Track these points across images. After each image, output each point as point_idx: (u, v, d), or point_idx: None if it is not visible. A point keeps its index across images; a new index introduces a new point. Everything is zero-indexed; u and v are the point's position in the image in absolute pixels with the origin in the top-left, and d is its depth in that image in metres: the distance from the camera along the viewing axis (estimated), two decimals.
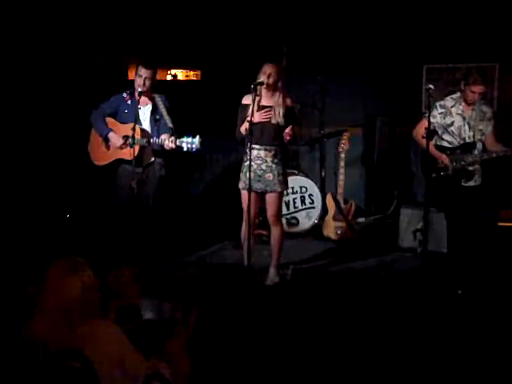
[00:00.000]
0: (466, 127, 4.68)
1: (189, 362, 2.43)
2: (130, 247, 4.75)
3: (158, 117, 4.85)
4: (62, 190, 6.11)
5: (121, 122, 4.83)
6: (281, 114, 4.45)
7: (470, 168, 4.68)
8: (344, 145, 5.96)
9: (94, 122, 4.90)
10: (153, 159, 4.83)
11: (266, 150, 4.51)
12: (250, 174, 4.24)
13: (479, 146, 4.70)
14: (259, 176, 4.52)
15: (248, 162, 4.51)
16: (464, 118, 4.68)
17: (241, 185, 4.61)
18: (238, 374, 3.28)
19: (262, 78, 4.40)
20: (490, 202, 4.93)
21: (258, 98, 4.44)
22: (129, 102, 4.85)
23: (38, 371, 2.03)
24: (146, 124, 4.83)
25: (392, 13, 6.64)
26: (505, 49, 6.50)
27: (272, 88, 4.45)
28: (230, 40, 6.82)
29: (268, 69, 4.42)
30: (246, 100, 4.53)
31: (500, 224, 5.33)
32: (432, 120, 4.56)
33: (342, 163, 5.94)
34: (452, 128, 4.70)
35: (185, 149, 4.63)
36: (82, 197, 6.18)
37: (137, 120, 4.68)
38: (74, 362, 2.01)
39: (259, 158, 4.52)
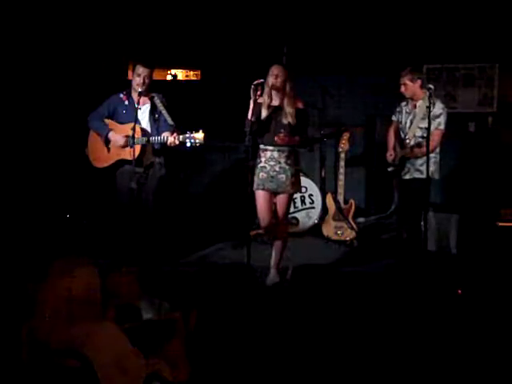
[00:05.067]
0: (408, 124, 4.95)
1: (189, 362, 2.43)
2: (130, 247, 4.75)
3: (157, 116, 4.84)
4: (62, 190, 6.11)
5: (119, 123, 4.82)
6: (291, 113, 4.44)
7: (406, 162, 4.94)
8: (344, 145, 5.97)
9: (92, 125, 4.86)
10: (153, 159, 4.83)
11: (279, 151, 4.52)
12: (258, 175, 4.24)
13: (420, 142, 4.81)
14: (272, 177, 4.54)
15: (261, 164, 4.54)
16: (408, 116, 4.96)
17: (254, 186, 4.63)
18: (238, 375, 3.28)
19: (270, 80, 4.41)
20: (420, 195, 4.90)
21: (269, 100, 4.46)
22: (126, 102, 4.84)
23: (38, 371, 2.04)
24: (144, 123, 4.83)
25: (392, 13, 6.64)
26: (505, 49, 6.50)
27: (280, 89, 4.45)
28: (229, 40, 6.82)
29: (275, 70, 4.44)
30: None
31: (500, 224, 5.33)
32: (394, 118, 5.12)
33: (342, 163, 5.94)
34: (401, 125, 5.03)
35: (188, 144, 4.62)
36: (82, 197, 6.18)
37: (136, 120, 4.67)
38: (73, 361, 2.01)
39: (273, 159, 4.53)
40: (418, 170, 4.82)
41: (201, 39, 6.82)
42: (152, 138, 4.73)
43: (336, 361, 3.47)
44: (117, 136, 4.75)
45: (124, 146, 4.73)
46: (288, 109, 4.44)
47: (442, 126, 4.81)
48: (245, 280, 4.44)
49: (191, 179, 7.12)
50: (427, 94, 4.60)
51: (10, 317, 2.29)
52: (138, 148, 4.68)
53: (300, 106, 4.50)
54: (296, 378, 3.28)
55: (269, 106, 4.49)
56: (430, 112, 4.60)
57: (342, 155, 5.96)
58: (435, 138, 4.76)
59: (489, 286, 4.58)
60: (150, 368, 2.19)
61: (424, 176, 4.69)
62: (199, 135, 4.57)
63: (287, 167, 4.53)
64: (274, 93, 4.48)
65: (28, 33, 5.95)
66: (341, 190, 5.95)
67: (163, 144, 4.70)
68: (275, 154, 4.52)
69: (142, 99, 4.81)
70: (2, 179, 5.65)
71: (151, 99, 4.85)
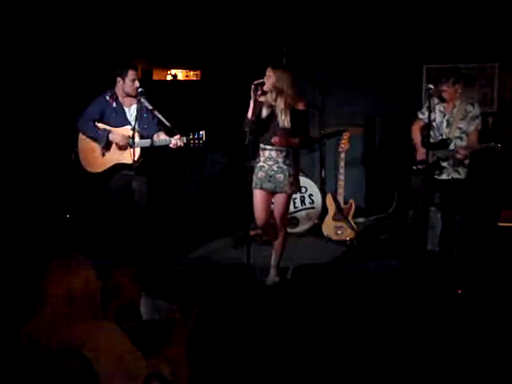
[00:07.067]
0: (444, 124, 4.92)
1: (189, 362, 2.42)
2: (130, 247, 4.75)
3: (145, 115, 4.81)
4: (62, 190, 6.10)
5: (111, 126, 4.79)
6: (285, 117, 4.42)
7: (443, 162, 4.90)
8: (344, 145, 5.96)
9: (84, 129, 4.80)
10: (142, 158, 4.80)
11: (277, 150, 4.51)
12: (260, 174, 4.22)
13: (458, 142, 4.89)
14: (270, 176, 4.53)
15: (259, 163, 4.54)
16: (444, 115, 4.92)
17: (252, 185, 4.62)
18: (237, 374, 3.28)
19: (263, 80, 4.41)
20: (464, 196, 5.06)
21: (269, 99, 4.46)
22: (114, 104, 4.81)
23: (38, 371, 2.03)
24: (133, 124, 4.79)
25: (392, 13, 6.64)
26: (505, 49, 6.51)
27: (276, 90, 4.43)
28: (230, 40, 6.82)
29: (267, 72, 4.43)
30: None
31: (500, 224, 5.33)
32: (421, 116, 5.04)
33: (342, 163, 5.94)
34: (434, 124, 4.95)
35: (191, 145, 4.64)
36: (81, 197, 6.18)
37: (127, 121, 4.68)
38: (74, 362, 2.01)
39: (271, 158, 4.52)
40: (456, 171, 4.89)
41: (201, 39, 6.82)
42: (154, 140, 4.73)
43: (336, 361, 3.47)
44: (117, 136, 4.73)
45: (124, 145, 4.71)
46: (282, 113, 4.42)
47: (480, 127, 4.90)
48: (245, 280, 4.44)
49: (191, 179, 7.12)
50: (459, 93, 4.79)
51: (10, 317, 2.29)
52: (138, 151, 4.67)
53: (300, 107, 4.47)
54: (296, 378, 3.28)
55: (269, 106, 4.49)
56: (430, 112, 4.65)
57: (342, 155, 5.95)
58: (475, 138, 4.86)
59: (489, 286, 4.58)
60: (150, 368, 2.19)
61: (462, 177, 4.89)
62: (202, 134, 4.61)
63: (285, 167, 4.52)
64: (272, 93, 4.47)
65: (27, 42, 5.92)
66: (341, 190, 5.94)
67: (165, 146, 4.71)
68: (273, 154, 4.52)
69: (129, 100, 4.79)
70: (3, 180, 5.65)
71: (138, 100, 4.79)
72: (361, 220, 6.62)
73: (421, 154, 4.90)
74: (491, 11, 6.40)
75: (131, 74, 4.74)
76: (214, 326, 3.65)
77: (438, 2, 6.53)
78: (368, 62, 6.86)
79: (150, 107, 4.73)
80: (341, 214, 5.94)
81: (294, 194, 4.78)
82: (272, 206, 4.72)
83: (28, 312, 2.11)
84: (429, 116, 4.65)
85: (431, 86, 4.67)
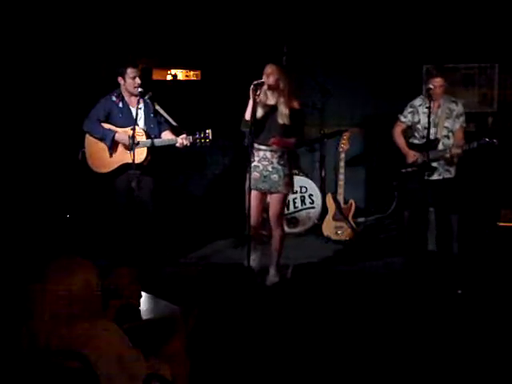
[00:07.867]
0: (432, 124, 4.87)
1: (189, 362, 2.42)
2: (131, 248, 4.75)
3: (152, 115, 4.81)
4: (62, 191, 6.10)
5: (118, 127, 4.78)
6: (285, 114, 4.43)
7: (433, 163, 4.89)
8: (344, 145, 5.97)
9: (91, 130, 4.77)
10: (149, 157, 4.80)
11: (272, 151, 4.51)
12: (252, 175, 4.26)
13: (446, 141, 4.92)
14: (265, 177, 4.53)
15: (254, 163, 4.53)
16: (429, 116, 4.83)
17: (246, 185, 4.61)
18: (237, 374, 3.28)
19: (264, 79, 4.41)
20: (456, 194, 5.07)
21: (264, 98, 4.44)
22: (120, 104, 4.79)
23: (37, 371, 2.03)
24: (141, 124, 4.78)
25: (392, 13, 6.64)
26: (505, 49, 6.51)
27: (275, 88, 4.44)
28: (229, 40, 6.82)
29: (268, 69, 4.43)
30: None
31: (500, 224, 5.33)
32: (404, 119, 5.04)
33: (342, 163, 5.95)
34: (419, 125, 4.97)
35: (198, 144, 4.63)
36: (82, 197, 6.18)
37: (133, 121, 4.67)
38: (74, 363, 2.01)
39: (265, 159, 4.52)
40: (447, 171, 4.91)
41: (201, 39, 6.82)
42: (157, 141, 4.72)
43: (336, 360, 3.47)
44: (123, 136, 4.69)
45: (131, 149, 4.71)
46: (282, 109, 4.42)
47: (465, 124, 4.96)
48: (245, 280, 4.44)
49: (191, 179, 7.12)
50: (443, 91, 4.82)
51: (10, 317, 2.29)
52: (145, 151, 4.66)
53: (296, 105, 4.48)
54: (296, 378, 3.28)
55: (265, 105, 4.49)
56: (429, 112, 4.67)
57: (342, 155, 5.96)
58: (462, 136, 4.91)
59: (489, 286, 4.58)
60: (149, 368, 2.19)
61: (452, 176, 4.91)
62: (208, 132, 4.59)
63: (280, 167, 4.52)
64: (269, 92, 4.47)
65: (28, 44, 5.92)
66: (341, 190, 5.95)
67: (170, 146, 4.70)
68: (268, 154, 4.52)
69: (135, 100, 4.76)
70: (2, 180, 5.65)
71: (144, 99, 4.78)
72: (361, 220, 6.61)
73: (411, 156, 4.93)
74: (491, 11, 6.40)
75: (130, 71, 4.70)
76: (214, 326, 3.65)
77: (438, 2, 6.53)
78: (368, 61, 6.85)
79: (158, 108, 4.73)
80: (341, 214, 5.94)
81: (289, 194, 4.76)
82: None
83: (28, 312, 2.11)
84: (428, 116, 4.66)
85: (431, 86, 4.69)
